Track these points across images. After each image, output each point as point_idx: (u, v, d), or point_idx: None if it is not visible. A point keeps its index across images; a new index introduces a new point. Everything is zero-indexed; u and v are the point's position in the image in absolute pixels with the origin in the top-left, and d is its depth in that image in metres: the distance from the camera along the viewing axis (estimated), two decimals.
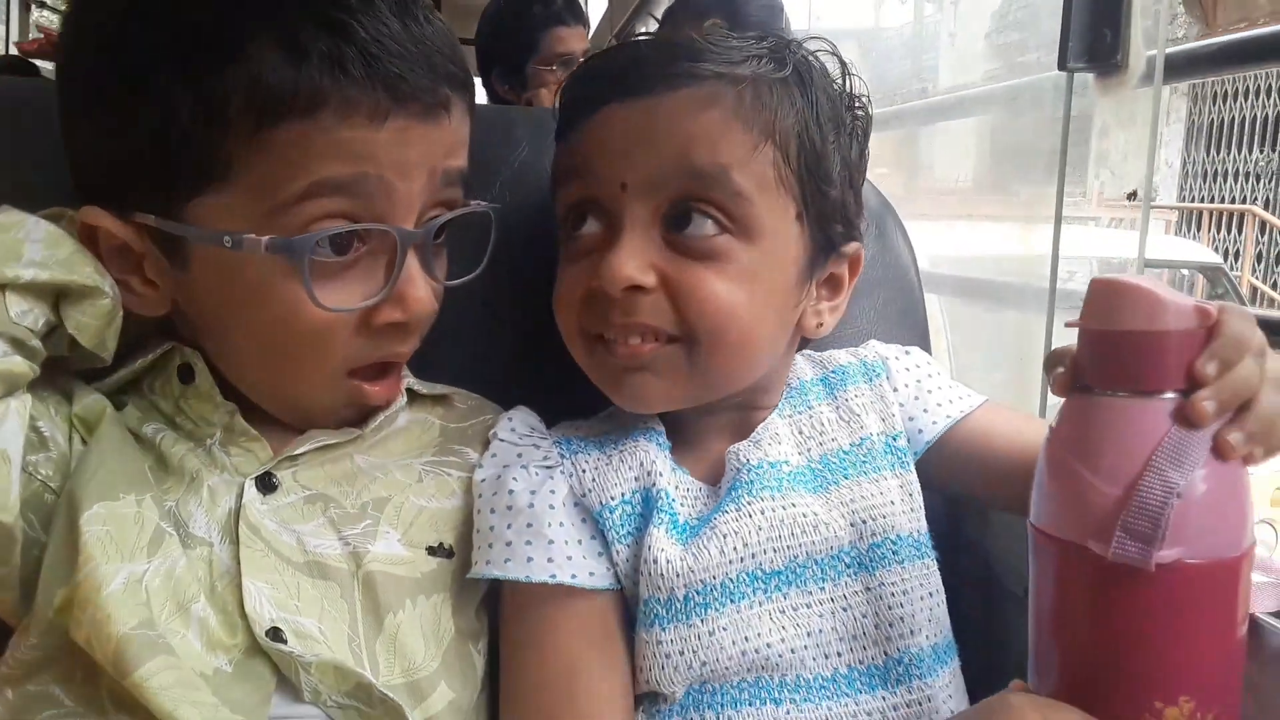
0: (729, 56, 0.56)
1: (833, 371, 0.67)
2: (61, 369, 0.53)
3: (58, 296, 0.50)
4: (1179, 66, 0.65)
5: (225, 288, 0.53)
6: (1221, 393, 0.42)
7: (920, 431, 0.64)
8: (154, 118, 0.49)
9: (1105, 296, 0.43)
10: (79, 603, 0.48)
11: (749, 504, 0.57)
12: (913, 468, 0.63)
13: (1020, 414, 0.68)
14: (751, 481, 0.58)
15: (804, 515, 0.57)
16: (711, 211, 0.55)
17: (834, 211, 0.60)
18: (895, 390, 0.66)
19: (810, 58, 0.60)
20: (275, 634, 0.51)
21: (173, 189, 0.51)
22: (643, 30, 2.48)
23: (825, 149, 0.58)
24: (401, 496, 0.59)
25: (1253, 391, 0.43)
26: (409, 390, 0.64)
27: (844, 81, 0.61)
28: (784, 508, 0.57)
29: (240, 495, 0.54)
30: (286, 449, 0.57)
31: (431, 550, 0.58)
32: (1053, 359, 0.47)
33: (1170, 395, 0.42)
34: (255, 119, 0.49)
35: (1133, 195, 0.67)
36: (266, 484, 0.56)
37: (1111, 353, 0.43)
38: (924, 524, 0.61)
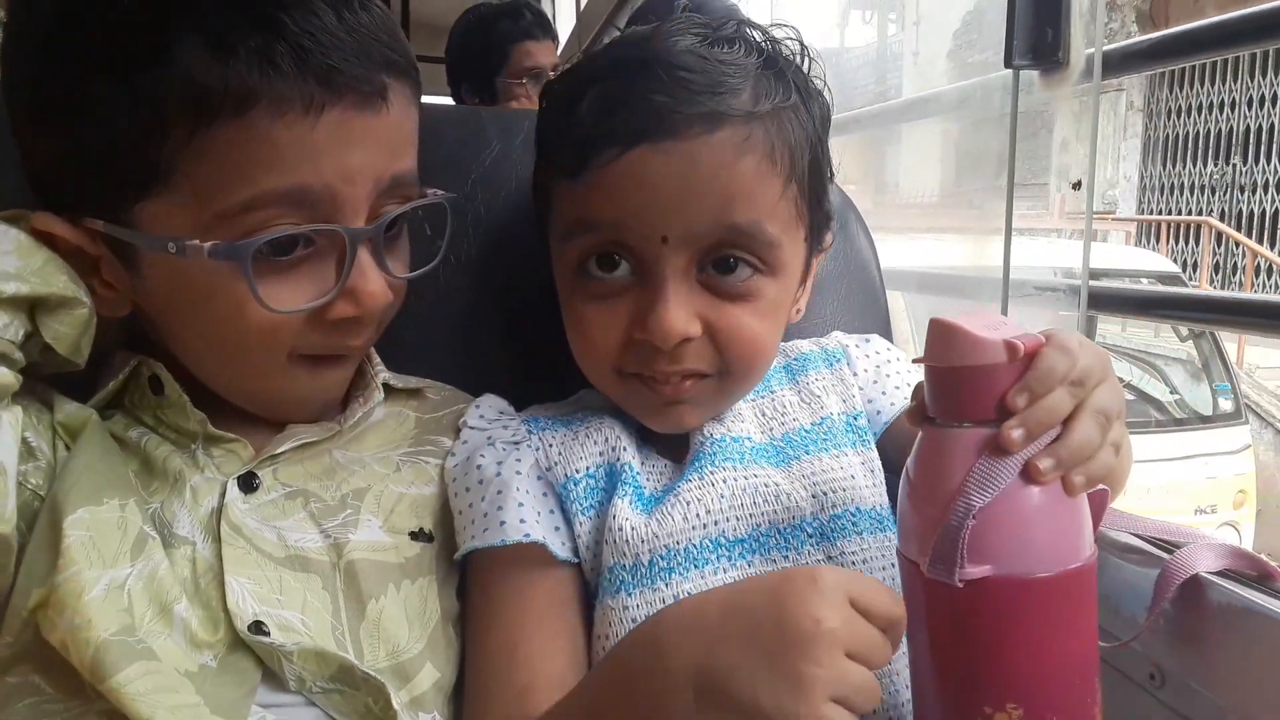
0: (740, 81, 0.55)
1: (794, 359, 0.69)
2: (34, 376, 0.53)
3: (33, 306, 0.50)
4: (1116, 63, 0.69)
5: (175, 290, 0.53)
6: (1027, 422, 0.44)
7: (879, 413, 0.67)
8: (94, 123, 0.49)
9: (934, 335, 0.46)
10: (55, 605, 0.48)
11: (712, 473, 0.59)
12: (874, 446, 0.65)
13: None
14: (715, 454, 0.60)
15: (766, 485, 0.59)
16: (747, 259, 0.56)
17: (825, 220, 0.63)
18: (855, 375, 0.68)
19: (795, 59, 0.60)
20: (257, 627, 0.52)
21: (118, 194, 0.51)
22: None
23: (824, 162, 0.61)
24: (381, 485, 0.60)
25: (1058, 420, 0.45)
26: (385, 385, 0.65)
27: (808, 68, 0.62)
28: (746, 478, 0.59)
29: (223, 495, 0.55)
30: (267, 448, 0.58)
31: (414, 535, 0.59)
32: (914, 393, 0.50)
33: (988, 425, 0.45)
34: (190, 121, 0.49)
35: (1077, 185, 0.70)
36: (248, 484, 0.56)
37: (939, 387, 0.46)
38: (885, 500, 0.62)
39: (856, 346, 0.71)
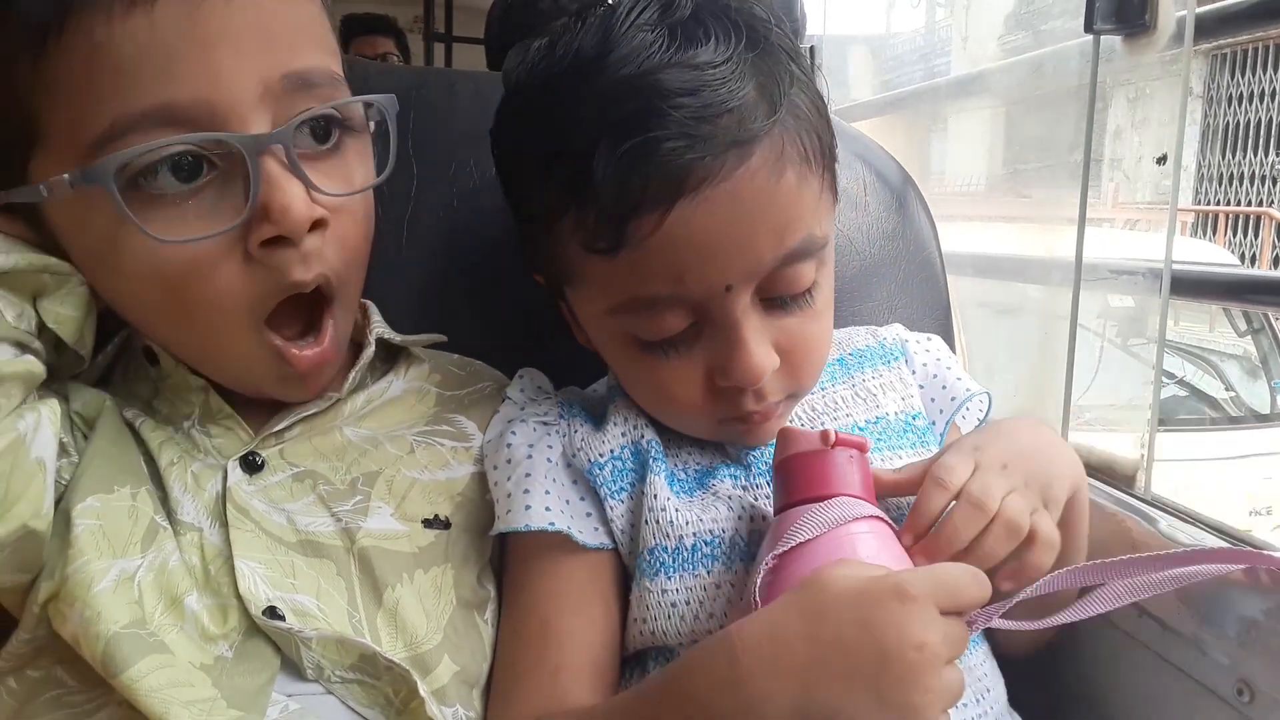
0: (742, 84, 0.48)
1: (850, 354, 0.66)
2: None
3: (34, 296, 0.48)
4: (1210, 26, 0.63)
5: (86, 253, 0.49)
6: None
7: (941, 411, 0.64)
8: None
9: (778, 441, 0.53)
10: (65, 598, 0.46)
11: (755, 478, 0.57)
12: (934, 447, 0.62)
13: None
14: (750, 465, 0.58)
15: None
16: (806, 271, 0.52)
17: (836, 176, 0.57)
18: (914, 372, 0.65)
19: (771, 22, 0.52)
20: (272, 612, 0.49)
21: (7, 159, 0.48)
22: None
23: (826, 111, 0.55)
24: (393, 470, 0.57)
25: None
26: (382, 341, 0.61)
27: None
28: None
29: (225, 478, 0.53)
30: (267, 425, 0.55)
31: (428, 523, 0.57)
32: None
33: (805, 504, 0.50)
34: (28, 54, 0.44)
35: (1162, 160, 0.65)
36: (251, 464, 0.54)
37: (781, 479, 0.52)
38: None
39: (917, 343, 0.67)
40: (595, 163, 0.47)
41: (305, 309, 0.53)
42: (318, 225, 0.50)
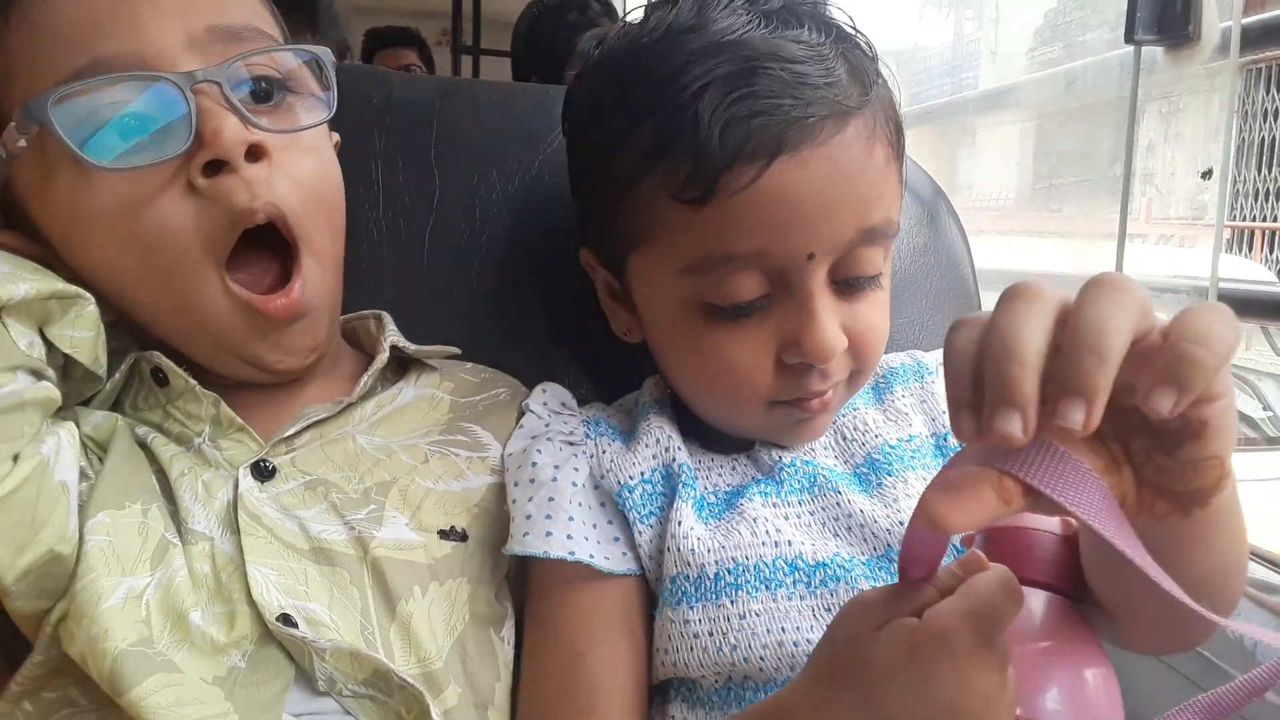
0: (838, 64, 0.50)
1: (882, 377, 0.64)
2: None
3: (40, 324, 0.48)
4: (1256, 37, 0.61)
5: (55, 218, 0.50)
6: None
7: None
8: None
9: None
10: (74, 616, 0.46)
11: (786, 495, 0.55)
12: None
13: None
14: (783, 481, 0.56)
15: (848, 514, 0.55)
16: (877, 257, 0.52)
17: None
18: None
19: (853, 25, 0.55)
20: (285, 619, 0.48)
21: None
22: None
23: (901, 120, 0.56)
24: (407, 479, 0.56)
25: None
26: (403, 358, 0.61)
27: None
28: (822, 503, 0.55)
29: (236, 486, 0.52)
30: (278, 432, 0.55)
31: (444, 534, 0.55)
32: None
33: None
34: None
35: (1208, 174, 0.63)
36: (263, 471, 0.53)
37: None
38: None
39: None
40: (700, 110, 0.48)
41: (275, 265, 0.53)
42: (259, 155, 0.50)
